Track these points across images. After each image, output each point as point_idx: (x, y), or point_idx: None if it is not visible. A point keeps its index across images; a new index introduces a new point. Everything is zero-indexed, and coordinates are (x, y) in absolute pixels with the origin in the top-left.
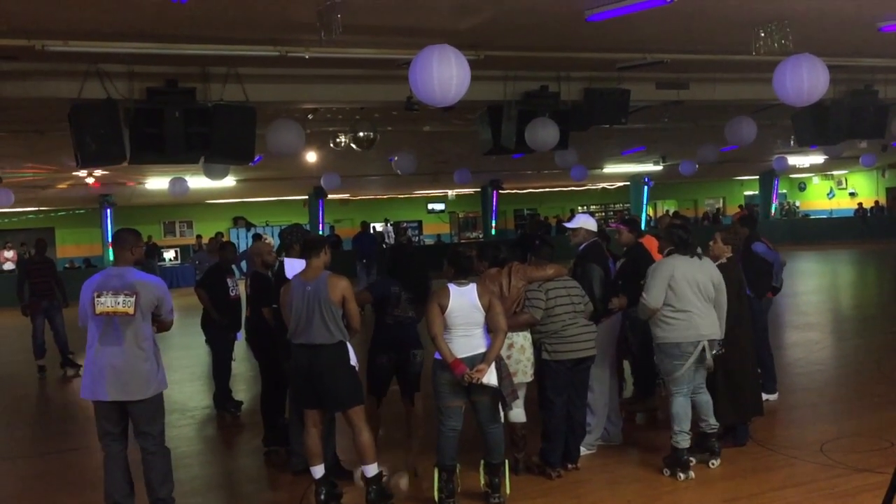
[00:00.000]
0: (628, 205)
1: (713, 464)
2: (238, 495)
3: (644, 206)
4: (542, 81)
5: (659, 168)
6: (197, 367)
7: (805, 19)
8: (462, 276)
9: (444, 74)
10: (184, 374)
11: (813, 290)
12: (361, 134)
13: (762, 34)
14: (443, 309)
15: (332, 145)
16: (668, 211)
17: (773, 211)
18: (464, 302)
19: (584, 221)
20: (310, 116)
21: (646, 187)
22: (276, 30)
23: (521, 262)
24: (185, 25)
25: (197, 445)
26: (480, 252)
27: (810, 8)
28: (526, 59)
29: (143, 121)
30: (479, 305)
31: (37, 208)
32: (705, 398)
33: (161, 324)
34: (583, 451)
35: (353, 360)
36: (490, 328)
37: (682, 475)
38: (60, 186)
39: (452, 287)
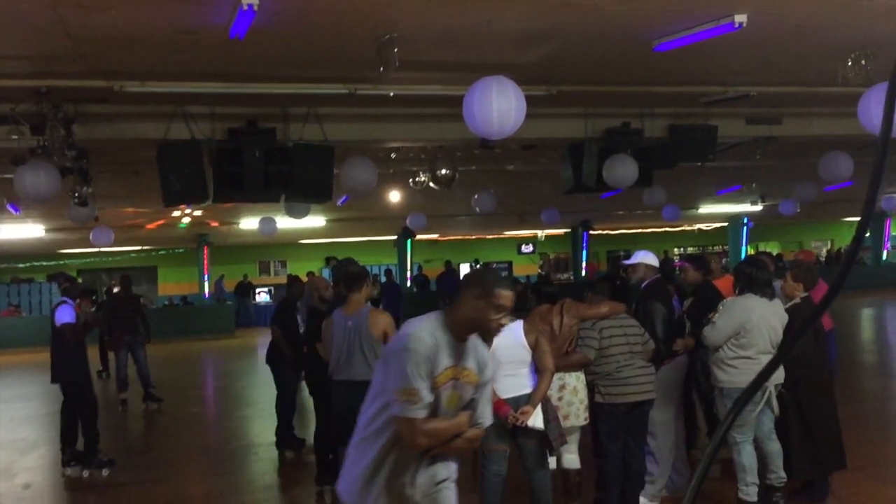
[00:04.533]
0: (727, 247)
1: None
2: None
3: (744, 248)
4: (624, 118)
5: (758, 208)
6: (271, 403)
7: (894, 45)
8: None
9: (503, 106)
10: (258, 409)
11: None
12: (440, 172)
13: (849, 63)
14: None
15: (411, 184)
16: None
17: (883, 255)
18: (509, 340)
19: (644, 257)
20: (393, 155)
21: (745, 228)
22: (343, 67)
23: (573, 300)
24: (258, 65)
25: (257, 482)
26: (531, 288)
27: None
28: (604, 94)
29: (224, 160)
30: (525, 343)
31: (139, 247)
32: (776, 447)
33: None
34: (644, 502)
35: None
36: (537, 368)
37: None
38: (150, 227)
39: None
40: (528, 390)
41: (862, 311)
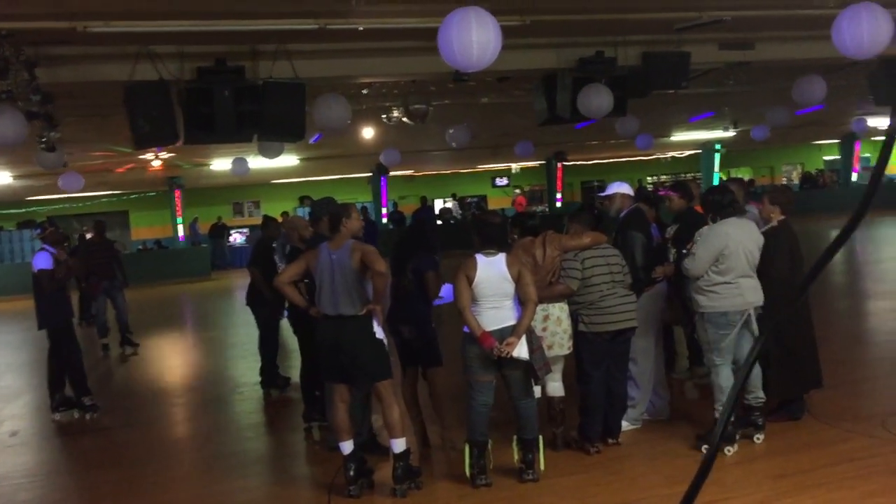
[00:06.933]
0: (699, 174)
1: (758, 438)
2: (274, 470)
3: (716, 175)
4: (597, 47)
5: (730, 134)
6: (253, 343)
7: None
8: (489, 246)
9: (482, 37)
10: (240, 350)
11: (893, 257)
12: (414, 107)
13: None
14: (470, 280)
15: (385, 119)
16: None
17: (853, 177)
18: (492, 273)
19: (618, 187)
20: (364, 91)
21: (717, 155)
22: (312, 2)
23: (556, 231)
24: (224, 1)
25: (243, 421)
26: (512, 221)
27: None
28: (577, 23)
29: (194, 100)
30: (509, 276)
31: (110, 192)
32: (755, 369)
33: None
34: (626, 425)
35: (380, 334)
36: (520, 300)
37: (728, 449)
38: (119, 170)
39: (480, 258)
40: (512, 322)
41: (831, 232)
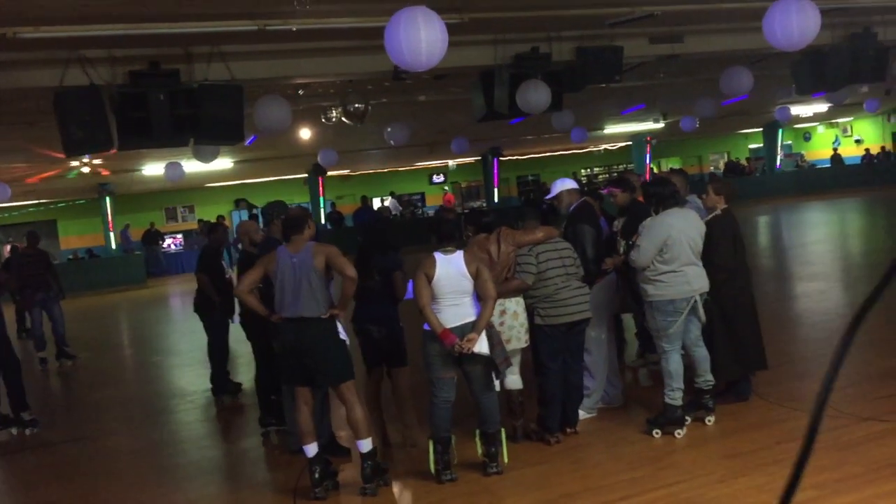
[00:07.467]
0: (632, 165)
1: (709, 420)
2: (235, 477)
3: (647, 165)
4: (532, 43)
5: (660, 126)
6: (198, 351)
7: None
8: (446, 244)
9: (431, 36)
10: (185, 358)
11: (819, 239)
12: (352, 107)
13: None
14: (429, 279)
15: (323, 120)
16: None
17: (777, 163)
18: (451, 270)
19: (562, 185)
20: (300, 92)
21: (647, 146)
22: (253, 3)
23: (509, 227)
24: (162, 4)
25: (196, 430)
26: (466, 218)
27: None
28: (514, 20)
29: (128, 106)
30: (467, 273)
31: (37, 201)
32: (703, 353)
33: None
34: (583, 414)
35: (343, 335)
36: (479, 296)
37: (678, 432)
38: (43, 176)
39: (438, 255)
40: (472, 318)
41: (757, 218)
